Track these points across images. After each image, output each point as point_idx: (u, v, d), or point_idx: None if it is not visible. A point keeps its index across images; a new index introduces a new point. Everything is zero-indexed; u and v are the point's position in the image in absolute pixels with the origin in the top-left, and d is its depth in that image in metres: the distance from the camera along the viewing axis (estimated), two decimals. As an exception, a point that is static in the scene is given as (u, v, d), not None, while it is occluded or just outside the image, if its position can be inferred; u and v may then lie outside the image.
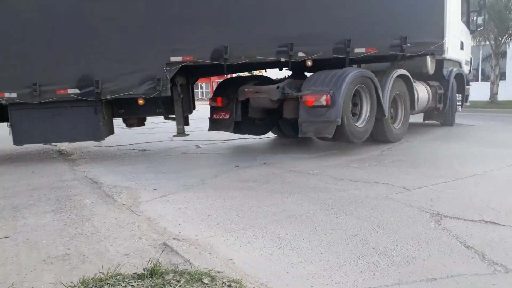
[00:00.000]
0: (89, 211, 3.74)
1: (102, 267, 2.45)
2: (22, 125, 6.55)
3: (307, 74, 7.39)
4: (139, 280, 2.25)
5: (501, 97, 18.10)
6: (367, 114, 6.75)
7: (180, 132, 7.05)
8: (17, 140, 6.57)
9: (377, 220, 3.28)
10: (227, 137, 8.86)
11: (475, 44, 18.39)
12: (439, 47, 7.22)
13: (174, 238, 2.98)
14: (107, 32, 6.39)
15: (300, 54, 6.45)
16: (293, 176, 4.98)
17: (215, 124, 7.53)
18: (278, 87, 6.42)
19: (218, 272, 2.40)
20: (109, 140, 9.23)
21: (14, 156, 7.26)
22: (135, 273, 2.35)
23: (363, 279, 2.32)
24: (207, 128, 7.54)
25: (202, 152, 7.18)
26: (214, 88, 8.78)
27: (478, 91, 20.99)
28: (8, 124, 6.56)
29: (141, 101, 6.60)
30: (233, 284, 2.23)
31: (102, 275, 2.31)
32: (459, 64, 10.23)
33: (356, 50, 6.58)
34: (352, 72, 6.30)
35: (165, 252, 2.72)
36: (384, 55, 7.06)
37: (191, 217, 3.50)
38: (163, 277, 2.27)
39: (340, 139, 6.50)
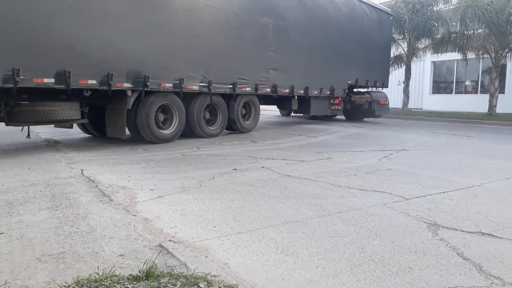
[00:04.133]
0: (85, 209, 3.71)
1: (97, 267, 2.42)
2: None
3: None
4: (135, 282, 2.22)
5: (499, 110, 18.17)
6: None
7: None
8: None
9: (375, 228, 3.27)
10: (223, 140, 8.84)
11: (476, 56, 18.51)
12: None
13: (170, 240, 2.96)
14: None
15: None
16: (291, 181, 4.97)
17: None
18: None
19: (214, 276, 2.38)
20: (106, 139, 9.21)
21: (11, 151, 7.21)
22: (130, 275, 2.32)
23: (360, 288, 2.30)
24: None
25: (201, 153, 7.16)
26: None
27: (477, 103, 21.13)
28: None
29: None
30: (228, 288, 2.21)
31: (97, 276, 2.28)
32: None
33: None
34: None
35: (161, 254, 2.70)
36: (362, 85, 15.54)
37: (187, 219, 3.48)
38: (158, 280, 2.25)
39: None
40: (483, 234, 3.18)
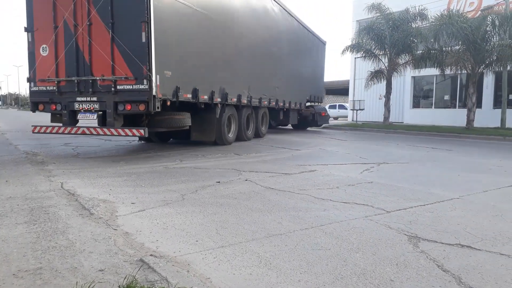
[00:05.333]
0: (64, 223, 3.63)
1: (76, 283, 2.37)
2: None
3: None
4: (114, 297, 2.18)
5: (477, 124, 18.65)
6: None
7: None
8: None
9: (357, 241, 3.29)
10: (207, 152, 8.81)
11: (453, 72, 19.04)
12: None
13: (151, 255, 2.92)
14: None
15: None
16: (274, 194, 4.97)
17: None
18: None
19: (196, 290, 2.35)
20: (88, 151, 9.07)
21: (-12, 164, 7.02)
22: (109, 290, 2.28)
23: (342, 301, 2.30)
24: None
25: (184, 166, 7.11)
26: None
27: (456, 117, 21.65)
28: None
29: None
30: (210, 303, 2.18)
31: (75, 291, 2.23)
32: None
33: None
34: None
35: (141, 268, 2.65)
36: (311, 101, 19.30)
37: (169, 233, 3.44)
38: (138, 294, 2.21)
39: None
40: (462, 246, 3.23)
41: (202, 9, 9.15)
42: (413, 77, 25.16)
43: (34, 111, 8.58)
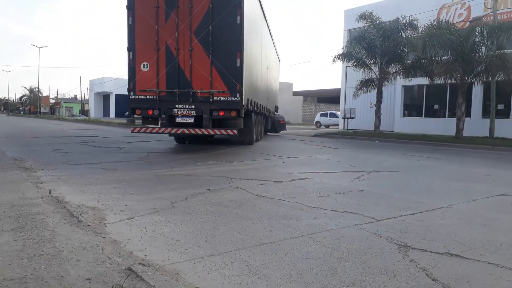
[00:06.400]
0: (51, 231, 3.58)
1: (61, 292, 2.32)
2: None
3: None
4: (100, 307, 2.14)
5: (466, 133, 18.86)
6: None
7: None
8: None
9: (347, 250, 3.29)
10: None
11: (442, 81, 19.26)
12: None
13: (139, 263, 2.88)
14: None
15: None
16: (265, 202, 4.96)
17: None
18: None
19: (184, 300, 2.33)
20: (77, 158, 8.98)
21: (-25, 170, 6.91)
22: (96, 300, 2.24)
23: (331, 311, 2.29)
24: None
25: (175, 173, 7.07)
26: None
27: (445, 126, 21.88)
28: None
29: None
30: (199, 313, 2.16)
31: (61, 301, 2.19)
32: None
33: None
34: None
35: (129, 277, 2.62)
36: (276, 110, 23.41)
37: (158, 241, 3.41)
38: (126, 304, 2.17)
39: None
40: (451, 255, 3.25)
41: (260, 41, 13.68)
42: (404, 86, 25.41)
43: (131, 115, 11.79)
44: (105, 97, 69.21)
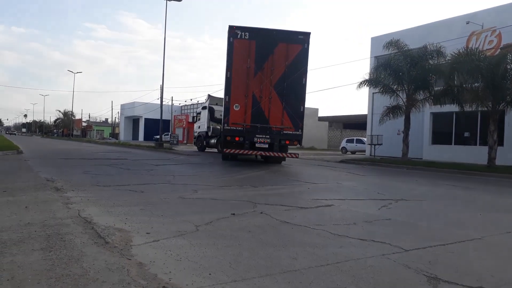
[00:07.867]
0: (79, 251, 3.65)
1: (87, 312, 2.35)
2: None
3: None
4: (124, 330, 2.15)
5: (498, 162, 18.22)
6: None
7: None
8: None
9: (373, 280, 3.20)
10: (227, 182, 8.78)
11: (473, 109, 18.82)
12: None
13: (164, 286, 2.89)
14: None
15: None
16: (289, 229, 4.91)
17: None
18: None
19: (207, 326, 2.31)
20: (106, 180, 9.20)
21: (10, 189, 7.18)
22: (120, 322, 2.25)
23: None
24: None
25: (199, 197, 7.12)
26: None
27: (476, 154, 21.22)
28: None
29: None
30: None
31: (86, 322, 2.21)
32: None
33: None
34: None
35: (153, 300, 2.62)
36: None
37: (182, 264, 3.42)
38: (149, 327, 2.17)
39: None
40: (485, 289, 3.10)
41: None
42: (432, 113, 24.96)
43: (226, 139, 14.81)
44: (135, 121, 71.20)
